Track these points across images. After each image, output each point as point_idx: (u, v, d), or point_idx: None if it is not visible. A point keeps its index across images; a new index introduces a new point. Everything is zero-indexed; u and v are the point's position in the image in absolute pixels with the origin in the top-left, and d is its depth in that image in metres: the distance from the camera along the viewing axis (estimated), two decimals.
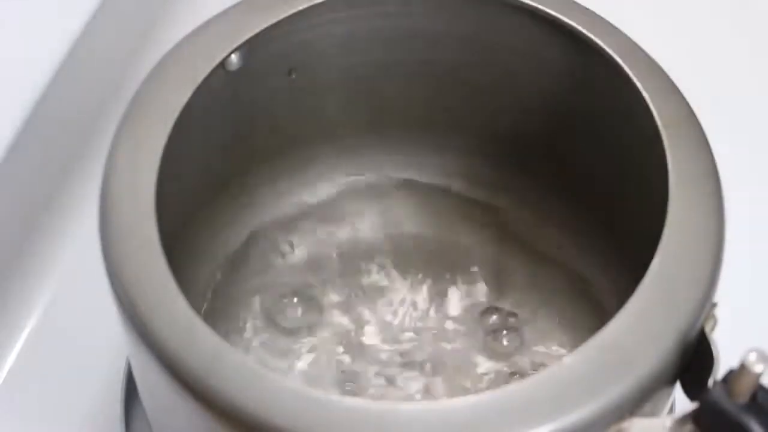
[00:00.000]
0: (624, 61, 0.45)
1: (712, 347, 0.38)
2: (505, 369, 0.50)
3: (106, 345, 0.54)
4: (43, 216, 0.57)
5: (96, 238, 0.41)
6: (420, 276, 0.53)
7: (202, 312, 0.50)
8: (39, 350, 0.55)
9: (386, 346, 0.51)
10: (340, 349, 0.51)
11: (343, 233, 0.54)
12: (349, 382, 0.49)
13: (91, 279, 0.45)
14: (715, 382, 0.37)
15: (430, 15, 0.49)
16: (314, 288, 0.52)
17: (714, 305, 0.39)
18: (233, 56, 0.45)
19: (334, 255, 0.53)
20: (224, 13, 0.46)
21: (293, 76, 0.50)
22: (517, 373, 0.50)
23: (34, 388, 0.54)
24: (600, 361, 0.37)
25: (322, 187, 0.54)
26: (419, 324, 0.51)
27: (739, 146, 0.57)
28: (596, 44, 0.45)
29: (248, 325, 0.51)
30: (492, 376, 0.50)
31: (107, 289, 0.40)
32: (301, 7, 0.46)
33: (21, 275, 0.56)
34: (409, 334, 0.51)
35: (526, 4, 0.46)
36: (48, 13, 0.55)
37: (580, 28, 0.45)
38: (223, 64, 0.45)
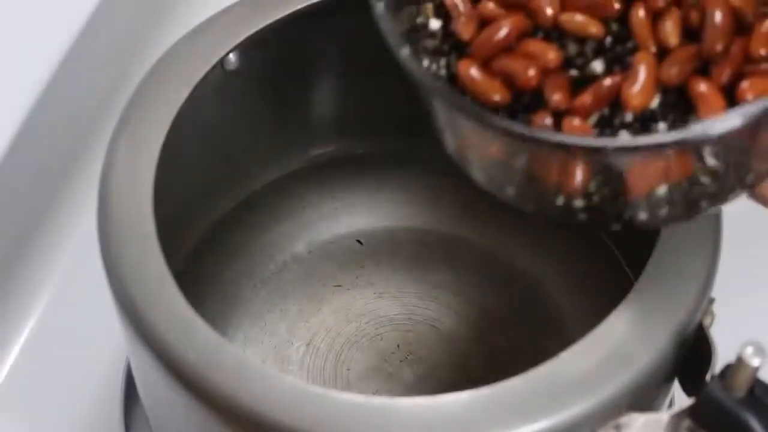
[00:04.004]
0: None
1: (710, 342, 0.38)
2: None
3: (106, 345, 0.54)
4: (43, 216, 0.57)
5: (96, 238, 0.41)
6: None
7: (200, 308, 0.50)
8: (39, 350, 0.55)
9: None
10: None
11: (341, 227, 0.54)
12: None
13: (91, 279, 0.45)
14: (712, 377, 0.37)
15: None
16: (313, 286, 0.52)
17: (711, 301, 0.39)
18: (231, 56, 0.46)
19: (337, 252, 0.53)
20: (223, 13, 0.46)
21: (292, 76, 0.50)
22: None
23: (34, 388, 0.54)
24: (598, 356, 0.37)
25: (321, 186, 0.54)
26: None
27: None
28: None
29: (245, 322, 0.51)
30: None
31: (107, 288, 0.40)
32: (299, 7, 0.46)
33: (21, 275, 0.56)
34: None
35: None
36: (48, 13, 0.55)
37: None
38: (221, 64, 0.45)
